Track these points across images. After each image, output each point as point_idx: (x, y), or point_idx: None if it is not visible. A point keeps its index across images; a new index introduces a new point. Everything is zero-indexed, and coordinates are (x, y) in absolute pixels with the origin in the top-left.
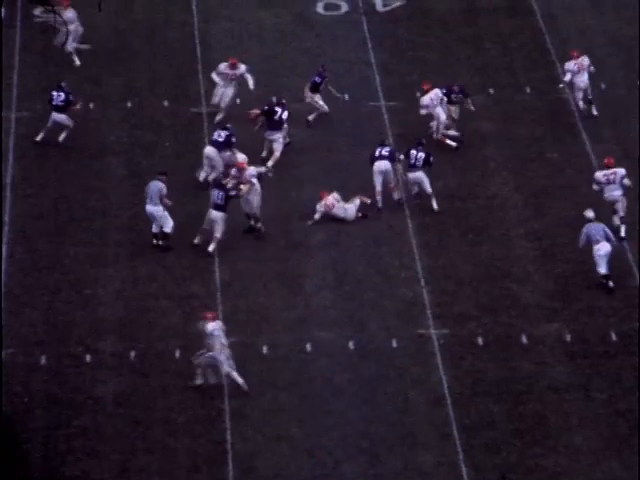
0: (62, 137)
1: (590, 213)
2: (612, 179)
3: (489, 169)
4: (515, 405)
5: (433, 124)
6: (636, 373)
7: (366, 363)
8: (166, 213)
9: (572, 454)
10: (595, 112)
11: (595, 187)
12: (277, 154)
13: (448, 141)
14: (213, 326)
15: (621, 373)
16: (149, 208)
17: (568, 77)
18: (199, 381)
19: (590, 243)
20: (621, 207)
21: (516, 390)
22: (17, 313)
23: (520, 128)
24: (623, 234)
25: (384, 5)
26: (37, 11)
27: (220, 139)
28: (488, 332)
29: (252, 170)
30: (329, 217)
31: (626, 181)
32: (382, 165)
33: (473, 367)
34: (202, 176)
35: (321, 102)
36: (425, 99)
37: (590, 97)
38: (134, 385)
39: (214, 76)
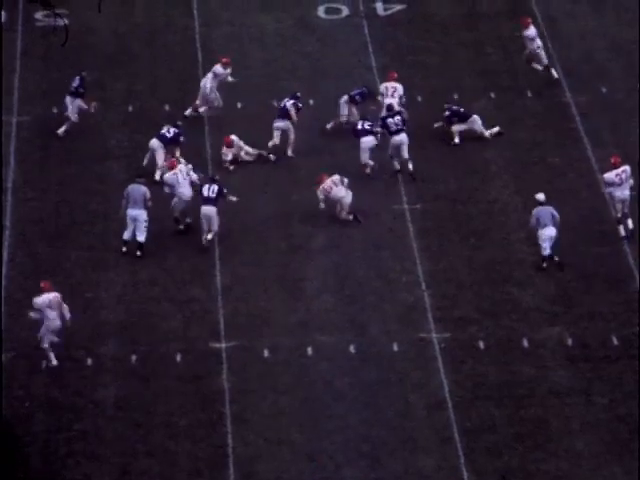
0: (61, 130)
1: (541, 196)
2: (624, 177)
3: (490, 173)
4: (516, 409)
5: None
6: (637, 377)
7: (367, 367)
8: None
9: (573, 458)
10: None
11: (609, 189)
12: (276, 140)
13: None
14: (42, 299)
15: (622, 377)
16: (134, 212)
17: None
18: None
19: (538, 226)
20: (627, 205)
21: (517, 394)
22: (18, 317)
23: (521, 132)
24: (631, 226)
25: (385, 9)
26: (38, 15)
27: (168, 135)
28: (489, 336)
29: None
30: (332, 203)
31: (631, 180)
32: (370, 141)
33: (474, 371)
34: (157, 174)
35: (345, 112)
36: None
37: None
38: (135, 389)
39: (212, 81)
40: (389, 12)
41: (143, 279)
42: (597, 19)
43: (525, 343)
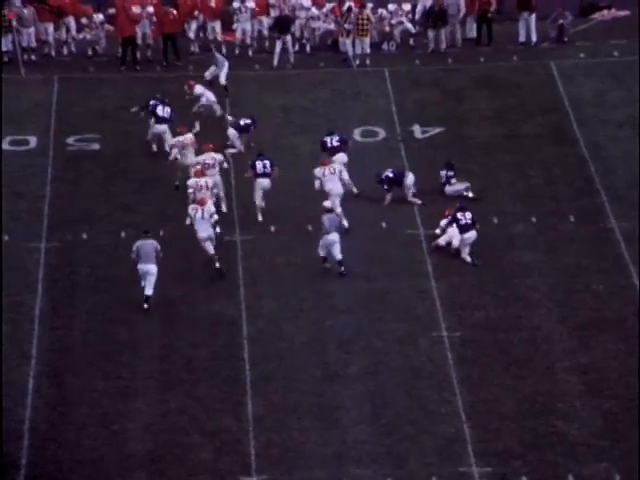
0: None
1: (328, 203)
2: None
3: (533, 300)
4: None
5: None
6: None
7: None
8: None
9: None
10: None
11: None
12: None
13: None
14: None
15: None
16: (146, 267)
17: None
18: None
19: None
20: None
21: None
22: (42, 449)
23: (565, 258)
24: None
25: (423, 132)
26: (70, 140)
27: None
28: (533, 471)
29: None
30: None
31: None
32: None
33: None
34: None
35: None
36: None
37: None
38: None
39: None
40: (427, 135)
41: (172, 408)
42: None
43: (571, 479)
